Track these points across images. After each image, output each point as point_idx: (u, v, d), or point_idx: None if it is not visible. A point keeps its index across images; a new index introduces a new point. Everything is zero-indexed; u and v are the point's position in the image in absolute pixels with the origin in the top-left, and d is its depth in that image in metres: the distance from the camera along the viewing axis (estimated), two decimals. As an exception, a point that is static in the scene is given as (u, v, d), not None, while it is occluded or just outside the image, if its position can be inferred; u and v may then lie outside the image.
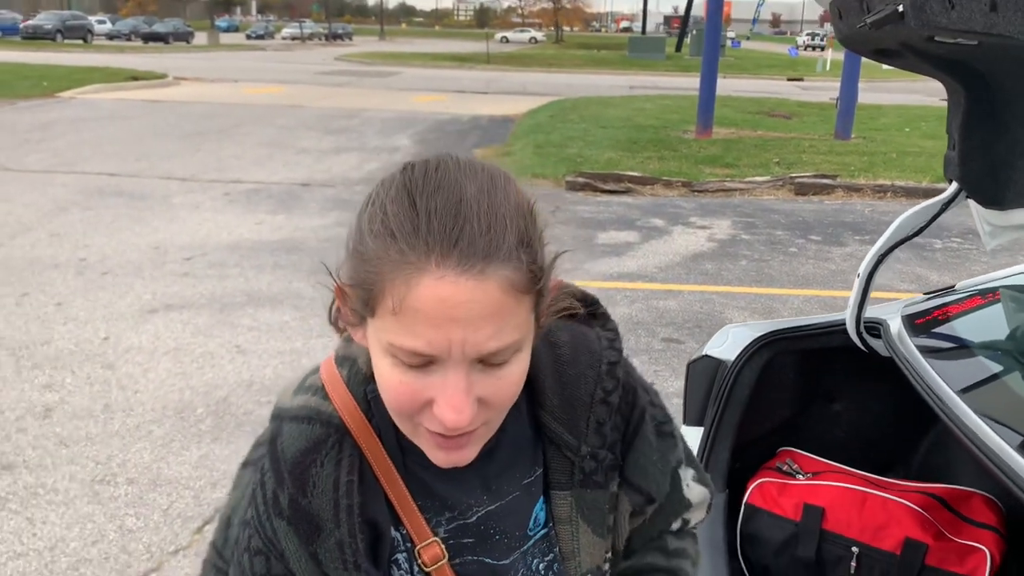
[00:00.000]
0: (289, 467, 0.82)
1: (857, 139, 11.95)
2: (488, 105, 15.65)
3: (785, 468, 1.93)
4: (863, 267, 1.83)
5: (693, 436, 1.92)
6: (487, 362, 0.73)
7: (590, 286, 5.44)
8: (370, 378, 0.84)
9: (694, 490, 1.01)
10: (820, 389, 2.06)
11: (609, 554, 0.94)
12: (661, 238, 7.03)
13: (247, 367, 4.31)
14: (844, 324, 1.88)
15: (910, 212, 1.79)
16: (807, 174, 9.16)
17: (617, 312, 5.16)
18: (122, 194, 7.86)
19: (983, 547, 1.67)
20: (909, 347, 1.64)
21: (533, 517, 0.90)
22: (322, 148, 10.73)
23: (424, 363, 0.73)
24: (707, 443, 1.87)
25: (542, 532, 0.90)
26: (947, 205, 1.74)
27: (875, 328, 1.83)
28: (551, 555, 0.90)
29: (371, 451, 0.84)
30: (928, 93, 20.43)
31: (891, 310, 1.89)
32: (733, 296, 5.63)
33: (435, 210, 0.70)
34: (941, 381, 1.45)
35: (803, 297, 5.64)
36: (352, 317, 0.79)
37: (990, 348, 1.65)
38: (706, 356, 1.96)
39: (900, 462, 2.04)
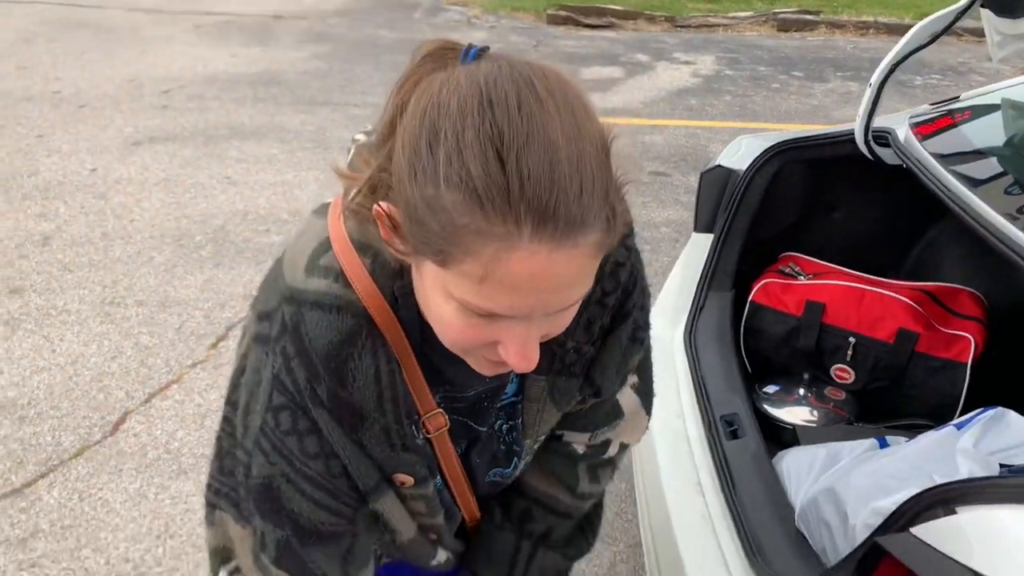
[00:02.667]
0: (323, 360, 0.78)
1: (841, -26, 11.65)
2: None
3: (788, 270, 2.06)
4: (876, 76, 1.89)
5: (703, 242, 2.03)
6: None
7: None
8: (398, 274, 0.79)
9: (627, 396, 1.03)
10: (822, 198, 2.16)
11: (548, 433, 1.02)
12: (645, 74, 6.96)
13: (240, 197, 4.33)
14: (852, 135, 1.95)
15: (925, 21, 1.83)
16: (790, 9, 8.99)
17: (604, 145, 5.20)
18: (87, 26, 7.52)
19: (968, 335, 1.83)
20: (919, 150, 1.72)
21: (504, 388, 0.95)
22: (291, -21, 10.25)
23: (494, 318, 0.69)
24: (717, 247, 1.98)
25: (510, 400, 0.95)
26: (962, 13, 1.78)
27: (882, 137, 1.91)
28: (514, 422, 0.96)
29: (397, 345, 0.81)
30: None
31: (898, 120, 1.96)
32: (717, 131, 5.66)
33: (528, 175, 0.62)
34: (952, 178, 1.55)
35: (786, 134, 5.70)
36: (401, 245, 0.71)
37: (993, 151, 1.74)
38: (719, 166, 2.04)
39: (892, 265, 2.18)
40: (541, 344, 0.75)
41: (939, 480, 1.11)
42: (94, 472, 2.48)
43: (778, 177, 2.01)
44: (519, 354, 0.71)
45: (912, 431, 1.69)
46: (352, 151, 0.83)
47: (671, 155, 5.17)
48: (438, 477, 0.94)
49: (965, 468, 1.14)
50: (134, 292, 3.43)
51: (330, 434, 0.81)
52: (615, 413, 1.03)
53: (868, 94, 1.90)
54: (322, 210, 0.86)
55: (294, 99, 5.87)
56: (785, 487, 1.46)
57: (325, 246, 0.81)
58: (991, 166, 1.63)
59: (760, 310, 2.00)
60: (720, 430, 1.59)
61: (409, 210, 0.67)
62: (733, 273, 1.99)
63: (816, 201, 2.15)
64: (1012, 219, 1.36)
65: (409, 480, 0.87)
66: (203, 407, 2.78)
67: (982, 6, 1.78)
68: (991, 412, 1.32)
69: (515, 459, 1.00)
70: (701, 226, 2.05)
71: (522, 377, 0.93)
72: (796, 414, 1.86)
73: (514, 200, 0.62)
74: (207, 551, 1.00)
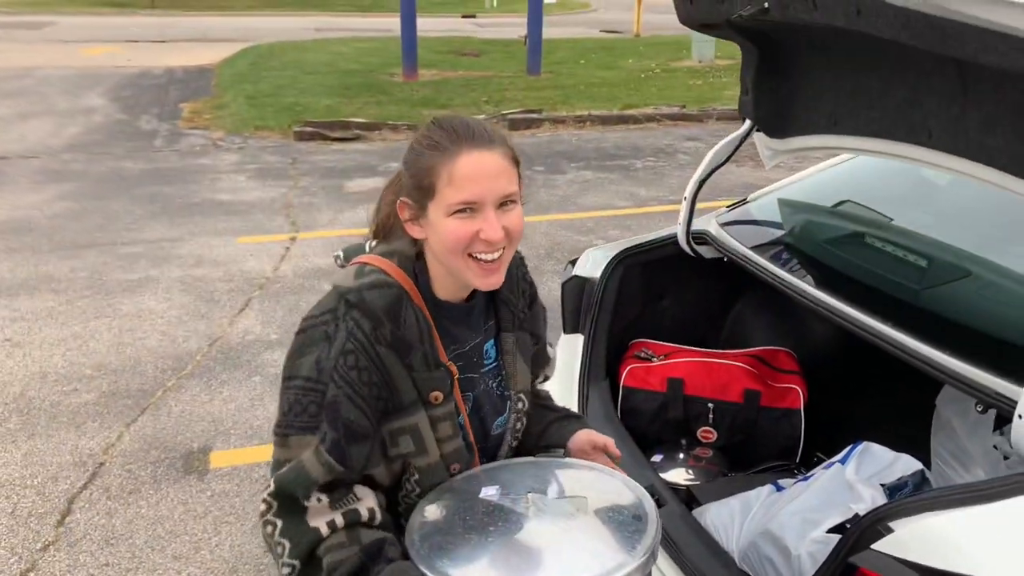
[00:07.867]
0: (384, 313, 1.24)
1: (546, 74, 12.96)
2: (174, 55, 14.64)
3: (643, 355, 2.44)
4: (688, 190, 2.35)
5: (575, 342, 2.35)
6: (503, 205, 1.24)
7: (351, 234, 5.56)
8: (412, 259, 1.31)
9: (549, 351, 1.66)
10: (653, 291, 2.58)
11: (528, 388, 1.50)
12: (404, 181, 7.34)
13: (31, 359, 4.05)
14: (676, 238, 2.40)
15: (719, 145, 2.32)
16: (516, 110, 9.91)
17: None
18: None
19: (795, 386, 2.30)
20: (733, 243, 2.19)
21: (485, 351, 1.42)
22: (1, 115, 9.57)
23: (472, 212, 1.22)
24: (589, 345, 2.31)
25: (493, 365, 1.43)
26: (744, 138, 2.30)
27: (700, 237, 2.36)
28: (499, 378, 1.44)
29: (422, 306, 1.29)
30: (589, 25, 22.25)
31: (706, 221, 2.44)
32: (487, 228, 6.12)
33: (456, 125, 1.25)
34: (764, 260, 2.02)
35: (548, 222, 6.30)
36: (414, 214, 1.27)
37: (779, 240, 2.25)
38: (576, 276, 2.39)
39: (712, 337, 2.64)
40: (505, 310, 1.42)
41: (855, 508, 1.48)
42: None
43: (624, 279, 2.40)
44: (493, 228, 1.21)
45: (777, 471, 2.10)
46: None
47: (455, 256, 5.52)
48: (459, 414, 1.34)
49: (867, 495, 1.52)
50: (-57, 482, 3.12)
51: (388, 365, 1.23)
52: (547, 359, 1.62)
53: (684, 206, 2.36)
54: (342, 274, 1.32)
55: (54, 245, 5.55)
56: (716, 537, 1.78)
57: (361, 268, 1.29)
58: (780, 251, 2.14)
59: (632, 392, 2.35)
60: (645, 501, 1.89)
61: (409, 183, 1.26)
62: (604, 365, 2.33)
63: (649, 294, 2.57)
64: (810, 283, 1.83)
65: (439, 396, 1.28)
66: (72, 590, 2.62)
67: (757, 131, 2.30)
68: (860, 447, 1.74)
69: (507, 402, 1.43)
70: (569, 328, 2.38)
71: (498, 339, 1.42)
72: (682, 475, 2.21)
73: (454, 136, 1.23)
74: (271, 464, 1.28)
